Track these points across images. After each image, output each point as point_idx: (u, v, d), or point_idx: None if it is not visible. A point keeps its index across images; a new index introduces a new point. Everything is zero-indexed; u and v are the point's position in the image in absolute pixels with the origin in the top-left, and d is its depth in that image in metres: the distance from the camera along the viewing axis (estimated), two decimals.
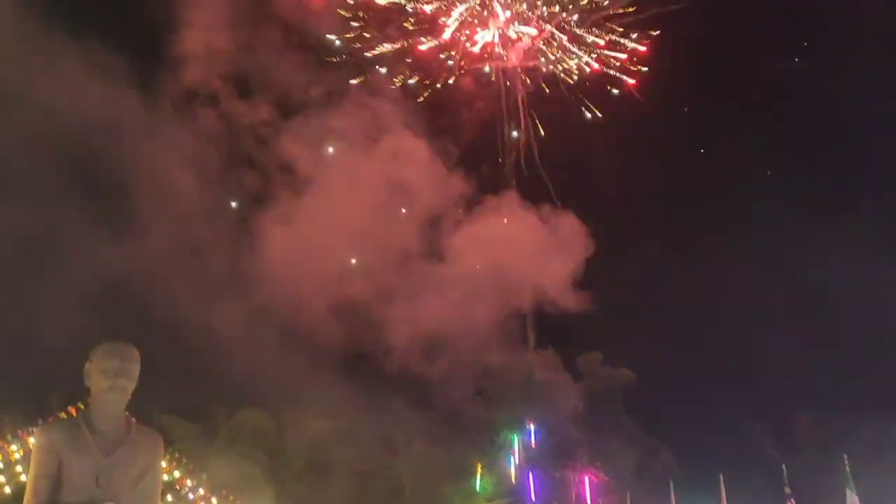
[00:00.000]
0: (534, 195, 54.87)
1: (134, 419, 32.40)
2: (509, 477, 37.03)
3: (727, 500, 23.41)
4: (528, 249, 50.85)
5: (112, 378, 33.68)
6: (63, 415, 30.77)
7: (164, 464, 33.14)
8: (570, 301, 49.34)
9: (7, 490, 30.87)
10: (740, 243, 52.34)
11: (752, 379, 48.13)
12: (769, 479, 27.18)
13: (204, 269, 50.85)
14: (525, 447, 37.38)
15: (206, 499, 35.78)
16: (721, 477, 23.91)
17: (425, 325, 49.87)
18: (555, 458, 35.86)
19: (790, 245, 50.57)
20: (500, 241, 49.71)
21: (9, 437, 31.86)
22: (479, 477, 37.94)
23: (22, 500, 27.69)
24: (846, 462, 22.47)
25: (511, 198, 52.67)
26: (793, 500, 21.86)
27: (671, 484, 25.62)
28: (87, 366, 33.39)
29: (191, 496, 35.29)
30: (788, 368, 47.34)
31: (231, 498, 35.90)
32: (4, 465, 31.01)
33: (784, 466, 22.55)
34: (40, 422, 30.44)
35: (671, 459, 40.04)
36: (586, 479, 34.81)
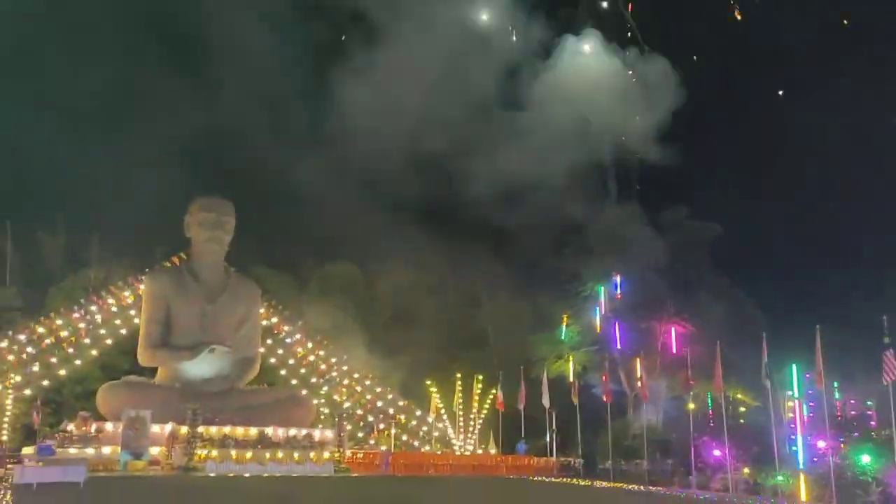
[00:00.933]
0: (620, 39, 52.55)
1: (233, 269, 33.52)
2: (595, 327, 37.55)
3: (822, 353, 23.13)
4: (611, 97, 48.99)
5: (210, 229, 34.73)
6: (167, 264, 32.58)
7: (261, 310, 34.45)
8: (657, 152, 47.90)
9: (123, 332, 33.30)
10: (841, 90, 49.02)
11: (848, 232, 46.55)
12: (866, 331, 26.69)
13: (288, 126, 51.31)
14: (611, 298, 37.59)
15: (303, 343, 37.84)
16: (818, 328, 23.49)
17: (507, 176, 49.49)
18: (641, 309, 36.04)
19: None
20: (582, 87, 47.86)
21: (121, 284, 34.00)
22: (564, 327, 38.63)
23: (136, 341, 29.60)
24: None
25: (594, 41, 50.22)
26: (891, 351, 21.38)
27: (763, 336, 25.36)
28: (187, 218, 34.45)
29: (288, 341, 37.39)
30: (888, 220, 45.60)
31: (325, 343, 37.84)
32: (119, 309, 33.27)
33: (885, 317, 21.95)
34: (147, 270, 32.37)
35: (759, 313, 39.74)
36: (672, 330, 35.03)
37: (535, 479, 29.48)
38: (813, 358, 24.46)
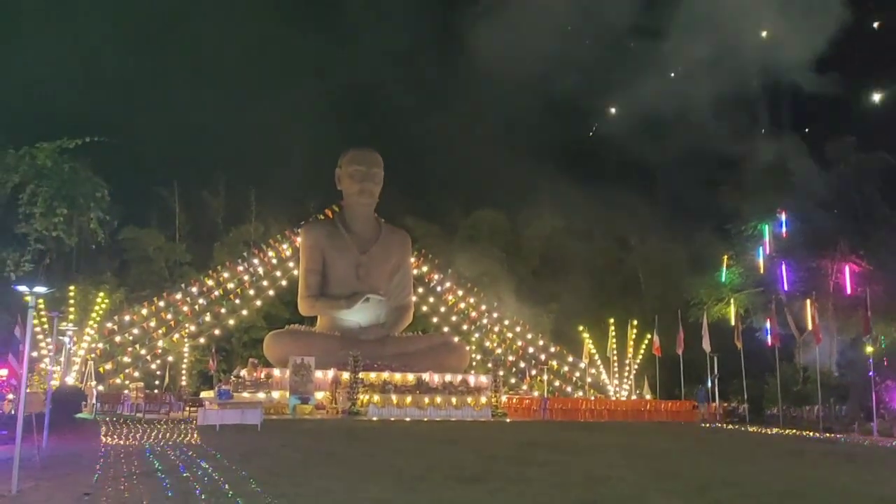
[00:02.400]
0: None
1: (383, 220, 34.16)
2: (758, 268, 35.39)
3: None
4: (764, 20, 45.57)
5: (360, 181, 35.39)
6: (321, 216, 33.57)
7: (412, 259, 34.93)
8: (817, 81, 44.42)
9: (283, 283, 34.84)
10: None
11: None
12: None
13: (426, 76, 51.34)
14: (775, 237, 35.20)
15: (453, 291, 38.14)
16: None
17: (654, 111, 47.29)
18: (810, 247, 33.48)
19: None
20: (730, 11, 44.57)
21: (279, 237, 35.44)
22: (725, 268, 36.68)
23: (296, 290, 30.89)
24: None
25: None
26: None
27: None
28: (338, 171, 35.23)
29: (439, 289, 37.80)
30: None
31: (475, 290, 37.97)
32: (278, 261, 34.75)
33: None
34: (302, 223, 33.50)
35: None
36: (846, 269, 32.37)
37: (703, 424, 28.57)
38: None
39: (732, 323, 31.55)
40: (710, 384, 31.10)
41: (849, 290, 31.86)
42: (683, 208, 44.64)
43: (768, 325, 31.01)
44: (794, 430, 25.95)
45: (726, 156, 42.85)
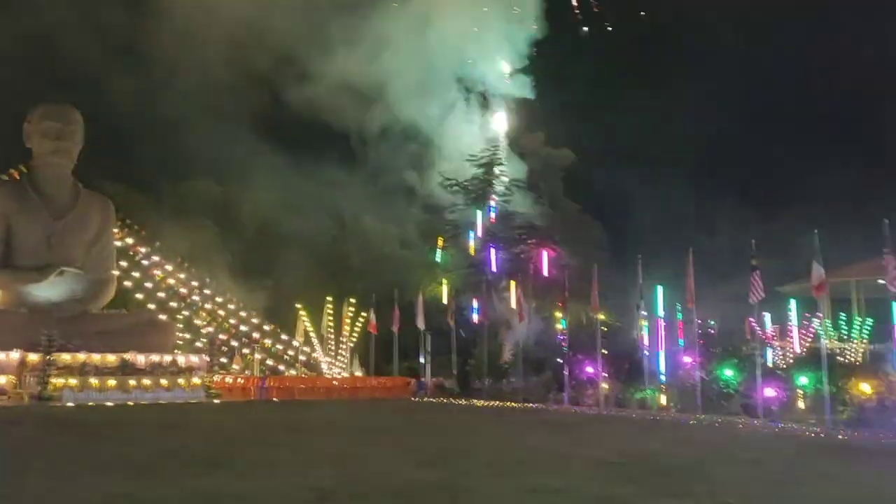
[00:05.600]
0: None
1: (80, 184, 30.35)
2: (469, 250, 37.56)
3: (694, 274, 24.32)
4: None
5: (55, 139, 30.99)
6: (5, 177, 29.10)
7: (114, 230, 31.60)
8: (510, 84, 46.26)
9: None
10: None
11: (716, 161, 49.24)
12: (735, 252, 28.29)
13: (123, 39, 46.50)
14: (485, 223, 37.57)
15: (161, 265, 35.43)
16: (690, 251, 24.62)
17: (361, 86, 46.25)
18: (514, 233, 36.37)
19: None
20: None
21: None
22: (440, 250, 38.38)
23: None
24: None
25: None
26: (758, 272, 22.68)
27: (639, 258, 26.30)
28: (27, 127, 30.42)
29: (145, 263, 34.86)
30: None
31: (185, 265, 35.65)
32: None
33: (753, 240, 23.20)
34: None
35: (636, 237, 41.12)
36: (544, 254, 35.66)
37: (415, 399, 29.65)
38: (678, 282, 25.80)
39: (445, 302, 33.15)
40: (422, 360, 32.40)
41: (546, 273, 35.04)
42: (402, 189, 45.08)
43: (477, 304, 33.08)
44: (498, 402, 27.86)
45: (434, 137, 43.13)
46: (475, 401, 28.42)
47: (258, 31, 44.63)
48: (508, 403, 27.37)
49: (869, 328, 40.15)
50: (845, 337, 41.05)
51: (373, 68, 44.03)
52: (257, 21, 44.26)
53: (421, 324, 32.06)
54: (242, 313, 35.37)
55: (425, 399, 29.77)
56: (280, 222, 43.09)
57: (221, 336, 34.37)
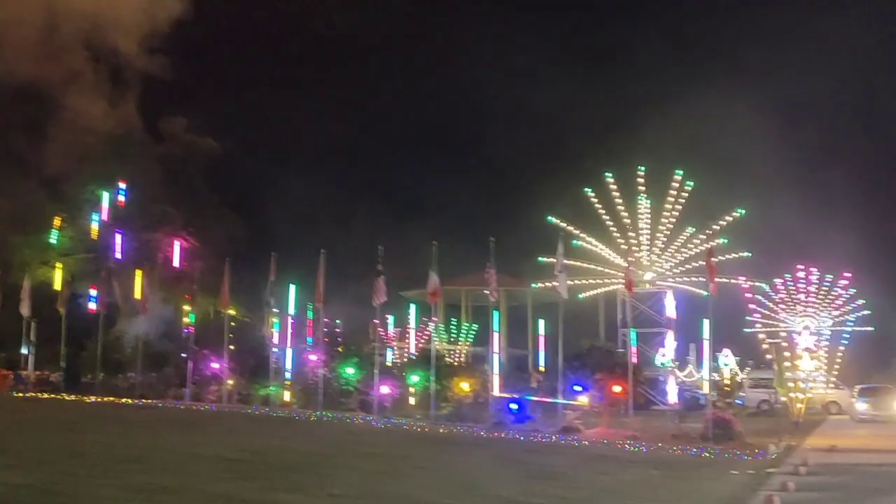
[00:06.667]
0: None
1: None
2: (92, 233, 34.01)
3: (325, 274, 25.01)
4: None
5: None
6: None
7: None
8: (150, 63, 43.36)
9: None
10: None
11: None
12: (366, 256, 29.61)
13: None
14: (113, 205, 34.38)
15: None
16: (322, 252, 25.27)
17: None
18: (145, 219, 33.79)
19: None
20: None
21: None
22: (56, 230, 34.10)
23: None
24: None
25: None
26: (383, 277, 24.12)
27: (273, 256, 26.26)
28: None
29: None
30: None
31: None
32: None
33: (381, 247, 24.60)
34: None
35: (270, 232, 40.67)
36: (176, 244, 33.77)
37: (15, 394, 26.25)
38: (311, 281, 26.47)
39: (57, 288, 29.96)
40: (25, 351, 28.91)
41: (177, 264, 33.50)
42: (12, 157, 39.54)
43: (95, 292, 30.40)
44: (112, 398, 25.94)
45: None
46: (85, 397, 26.08)
47: None
48: (124, 400, 25.58)
49: (474, 332, 45.04)
50: (454, 340, 45.58)
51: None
52: None
53: (25, 310, 28.57)
54: None
55: (27, 395, 26.54)
56: None
57: None
